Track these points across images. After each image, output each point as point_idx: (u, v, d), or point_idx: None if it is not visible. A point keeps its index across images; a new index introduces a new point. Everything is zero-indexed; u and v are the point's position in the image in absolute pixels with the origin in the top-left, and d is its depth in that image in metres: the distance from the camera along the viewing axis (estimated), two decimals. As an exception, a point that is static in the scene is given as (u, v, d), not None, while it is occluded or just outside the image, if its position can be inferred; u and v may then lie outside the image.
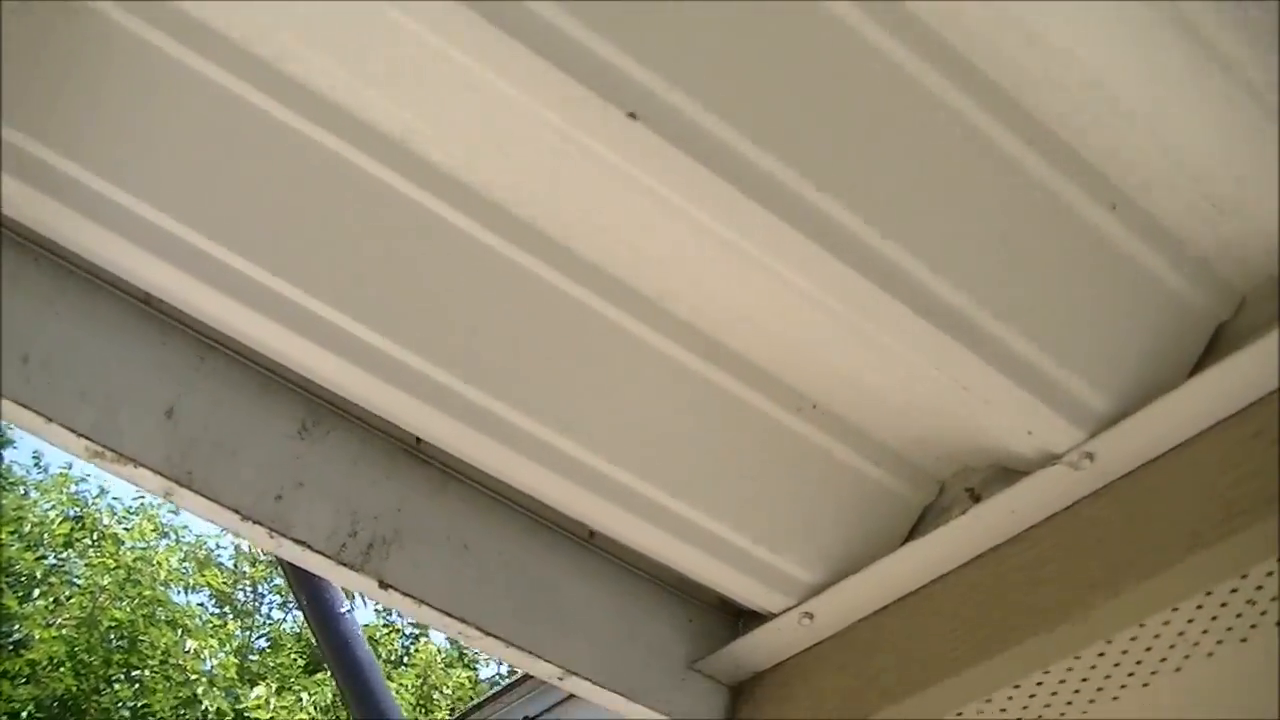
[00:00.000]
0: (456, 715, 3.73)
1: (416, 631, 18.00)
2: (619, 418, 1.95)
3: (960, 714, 1.98)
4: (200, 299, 1.84)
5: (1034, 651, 1.88)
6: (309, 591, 2.70)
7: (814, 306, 1.77)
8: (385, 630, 17.42)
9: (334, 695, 15.02)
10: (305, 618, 2.75)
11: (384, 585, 1.96)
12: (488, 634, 2.00)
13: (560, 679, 2.06)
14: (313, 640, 15.52)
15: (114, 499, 17.04)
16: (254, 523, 1.91)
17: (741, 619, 2.24)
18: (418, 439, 2.07)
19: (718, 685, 2.22)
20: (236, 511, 1.91)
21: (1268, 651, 1.83)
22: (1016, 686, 1.93)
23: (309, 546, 1.93)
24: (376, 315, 1.85)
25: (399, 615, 18.00)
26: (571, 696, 2.75)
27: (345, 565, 1.95)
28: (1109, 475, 1.86)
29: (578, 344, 1.91)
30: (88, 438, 1.87)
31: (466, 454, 1.98)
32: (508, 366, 1.90)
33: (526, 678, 2.72)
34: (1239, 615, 1.80)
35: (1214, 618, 1.81)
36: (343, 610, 2.71)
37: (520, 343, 1.90)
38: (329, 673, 16.04)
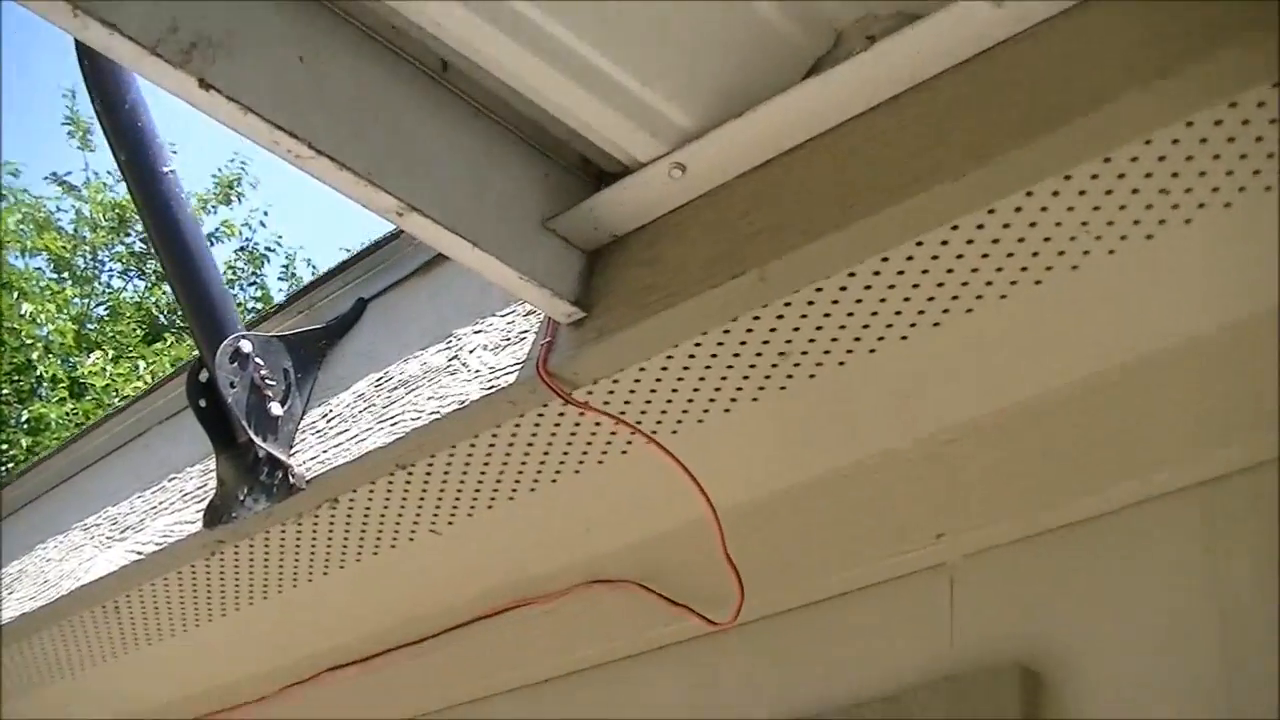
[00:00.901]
0: (284, 298, 3.56)
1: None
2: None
3: (853, 273, 1.81)
4: None
5: (936, 203, 1.70)
6: (129, 148, 2.44)
7: None
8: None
9: (172, 365, 14.78)
10: (124, 179, 2.49)
11: (205, 85, 1.71)
12: (320, 153, 1.77)
13: (400, 214, 1.85)
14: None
15: (-51, 157, 16.34)
16: (57, -1, 1.64)
17: (603, 182, 2.03)
18: (254, -64, 1.80)
19: (572, 249, 2.03)
20: (36, -16, 1.64)
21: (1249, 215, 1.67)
22: (919, 244, 1.76)
23: (119, 30, 1.66)
24: None
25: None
26: (411, 276, 2.55)
27: (162, 59, 1.69)
28: (1029, 18, 1.66)
29: None
30: None
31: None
32: None
33: (361, 257, 2.52)
34: (1184, 166, 1.63)
35: (1148, 174, 1.63)
36: (167, 169, 2.46)
37: None
38: (167, 343, 15.81)
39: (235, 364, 2.44)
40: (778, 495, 2.25)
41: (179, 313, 16.65)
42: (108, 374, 14.59)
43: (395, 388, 2.35)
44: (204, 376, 2.50)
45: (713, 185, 1.93)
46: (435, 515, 2.45)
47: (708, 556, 2.24)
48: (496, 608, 2.64)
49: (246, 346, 2.46)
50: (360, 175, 1.80)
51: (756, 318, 1.91)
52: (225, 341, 2.43)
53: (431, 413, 2.21)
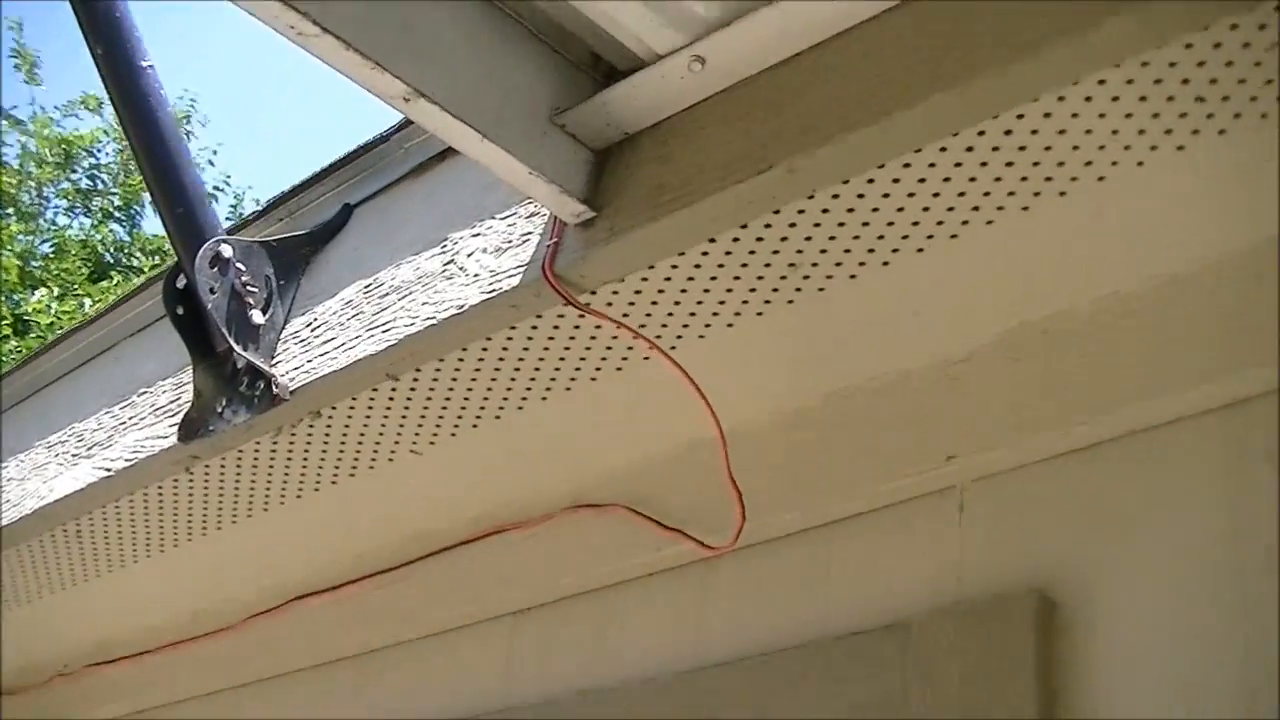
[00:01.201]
0: (264, 204, 3.46)
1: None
2: None
3: (871, 179, 1.73)
4: None
5: (963, 103, 1.62)
6: (105, 41, 2.34)
7: None
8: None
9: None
10: (100, 73, 2.38)
11: (205, -44, 1.62)
12: (326, 30, 1.68)
13: (407, 100, 1.76)
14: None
15: (-108, 91, 16.11)
16: None
17: (614, 80, 1.94)
18: None
19: (581, 146, 1.94)
20: None
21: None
22: (942, 150, 1.68)
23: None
24: None
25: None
26: (401, 180, 2.46)
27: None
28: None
29: None
30: None
31: None
32: None
33: (346, 162, 2.43)
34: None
35: (1185, 80, 1.56)
36: (145, 64, 2.36)
37: None
38: (113, 281, 15.61)
39: (215, 269, 2.35)
40: (780, 414, 2.17)
41: (125, 250, 16.48)
42: (52, 311, 14.46)
43: (386, 294, 2.26)
44: (182, 282, 2.41)
45: (734, 80, 1.84)
46: (417, 434, 2.38)
47: (702, 480, 2.17)
48: (476, 533, 2.56)
49: (227, 251, 2.37)
50: (367, 57, 1.71)
51: (768, 225, 1.83)
52: (205, 245, 2.34)
53: (427, 318, 2.12)
